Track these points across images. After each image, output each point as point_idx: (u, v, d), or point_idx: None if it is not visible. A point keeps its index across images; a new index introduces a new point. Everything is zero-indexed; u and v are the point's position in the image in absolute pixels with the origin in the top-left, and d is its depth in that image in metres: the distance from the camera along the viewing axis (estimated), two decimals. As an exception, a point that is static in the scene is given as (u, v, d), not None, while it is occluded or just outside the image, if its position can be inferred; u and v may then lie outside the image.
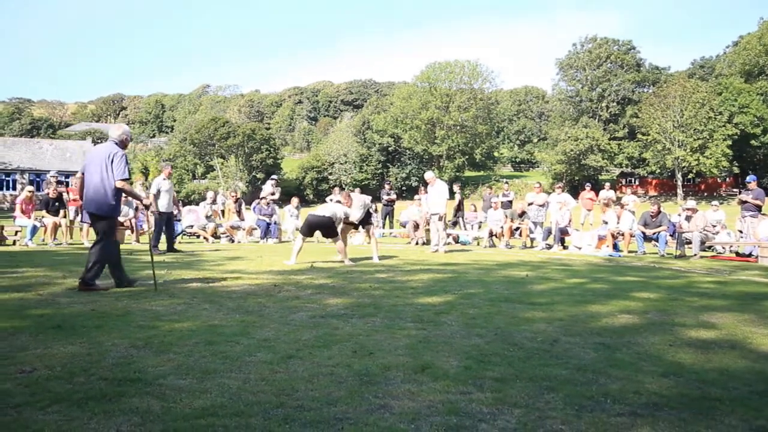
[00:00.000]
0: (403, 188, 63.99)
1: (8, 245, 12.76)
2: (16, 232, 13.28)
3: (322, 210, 9.73)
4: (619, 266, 9.96)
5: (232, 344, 3.86)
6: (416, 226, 15.65)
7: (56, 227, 13.20)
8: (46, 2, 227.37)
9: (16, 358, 3.43)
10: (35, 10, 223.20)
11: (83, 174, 6.49)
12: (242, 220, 15.78)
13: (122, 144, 6.52)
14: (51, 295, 5.80)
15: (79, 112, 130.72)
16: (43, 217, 13.31)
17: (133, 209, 14.22)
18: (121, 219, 12.66)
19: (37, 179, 47.63)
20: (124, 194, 6.53)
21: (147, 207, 7.50)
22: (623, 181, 66.17)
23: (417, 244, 15.08)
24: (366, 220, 10.64)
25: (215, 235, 15.20)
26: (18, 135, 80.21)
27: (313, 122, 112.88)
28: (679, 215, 13.83)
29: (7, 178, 49.56)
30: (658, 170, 60.65)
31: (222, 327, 4.40)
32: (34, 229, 13.01)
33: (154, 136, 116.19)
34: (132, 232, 14.34)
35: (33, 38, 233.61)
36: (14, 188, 47.56)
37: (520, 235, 14.98)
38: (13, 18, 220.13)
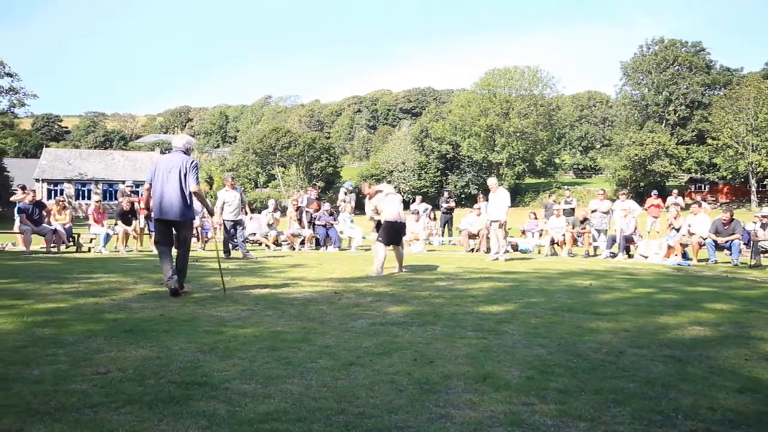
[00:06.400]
0: (462, 196, 63.44)
1: (84, 252, 13.40)
2: (91, 240, 13.95)
3: (398, 213, 9.52)
4: (688, 276, 9.56)
5: (295, 350, 3.93)
6: (471, 235, 15.51)
7: (128, 235, 13.77)
8: (118, 23, 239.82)
9: (93, 360, 3.61)
10: (108, 29, 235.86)
11: (151, 185, 6.59)
12: (303, 228, 16.02)
13: (188, 153, 6.73)
14: (123, 300, 6.05)
15: (148, 124, 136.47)
16: (115, 224, 13.91)
17: (199, 217, 14.61)
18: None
19: (110, 189, 49.93)
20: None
21: (212, 214, 7.67)
22: (692, 188, 63.49)
23: (473, 251, 14.94)
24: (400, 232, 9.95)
25: (276, 243, 15.50)
26: (92, 147, 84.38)
27: (372, 131, 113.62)
28: (755, 223, 13.14)
29: (83, 188, 52.16)
30: (730, 176, 57.86)
31: (284, 333, 4.49)
32: (107, 237, 13.60)
33: (218, 146, 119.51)
34: (198, 240, 14.77)
35: (107, 55, 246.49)
36: (89, 198, 49.95)
37: (583, 243, 14.61)
38: (91, 38, 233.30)
